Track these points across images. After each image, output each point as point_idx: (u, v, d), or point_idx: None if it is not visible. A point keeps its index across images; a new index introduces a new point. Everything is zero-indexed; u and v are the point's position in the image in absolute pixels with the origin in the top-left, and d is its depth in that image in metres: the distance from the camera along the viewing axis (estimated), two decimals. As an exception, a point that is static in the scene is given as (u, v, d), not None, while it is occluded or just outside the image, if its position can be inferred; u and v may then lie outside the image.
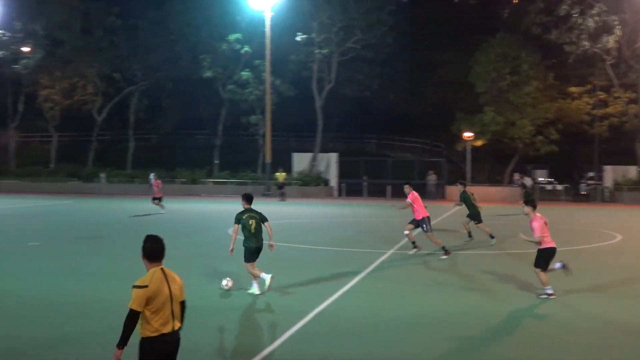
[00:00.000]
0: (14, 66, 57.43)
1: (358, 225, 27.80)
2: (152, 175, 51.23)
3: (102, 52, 57.95)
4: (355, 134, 62.75)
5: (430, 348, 9.96)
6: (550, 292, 13.13)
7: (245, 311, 12.09)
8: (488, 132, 51.51)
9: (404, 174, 49.65)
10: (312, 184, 49.89)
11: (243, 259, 13.20)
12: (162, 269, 6.58)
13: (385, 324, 11.19)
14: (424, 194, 47.62)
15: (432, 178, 49.13)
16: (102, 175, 54.23)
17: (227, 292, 13.23)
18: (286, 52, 51.88)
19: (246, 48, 53.05)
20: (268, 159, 49.18)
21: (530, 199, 14.02)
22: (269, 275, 13.06)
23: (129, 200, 43.52)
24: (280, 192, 45.29)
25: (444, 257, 18.28)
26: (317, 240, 22.09)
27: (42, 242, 21.04)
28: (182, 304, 6.66)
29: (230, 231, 12.88)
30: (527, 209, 13.13)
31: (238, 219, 13.10)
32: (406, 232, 18.91)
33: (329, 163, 51.75)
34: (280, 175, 45.78)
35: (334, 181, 51.08)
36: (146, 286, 6.35)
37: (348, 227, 25.60)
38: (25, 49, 57.45)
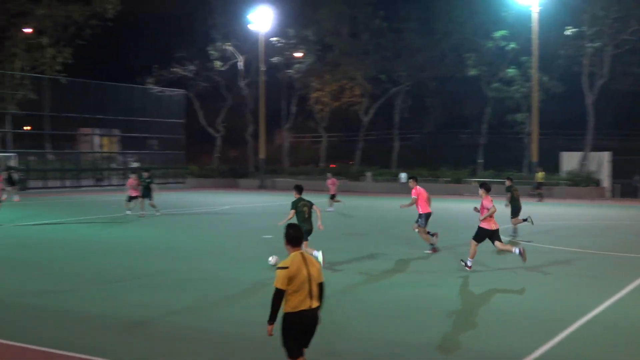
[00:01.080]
0: (288, 71, 61.17)
1: (636, 229, 25.88)
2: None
3: (368, 55, 59.65)
4: (632, 131, 58.55)
5: None
6: (469, 264, 15.16)
7: (511, 313, 11.68)
8: None
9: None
10: (581, 184, 47.32)
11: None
12: (301, 253, 7.28)
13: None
14: None
15: None
16: (368, 174, 55.70)
17: (273, 266, 14.63)
18: (554, 47, 49.79)
19: (512, 45, 51.80)
20: (534, 158, 47.48)
21: (485, 183, 16.04)
22: (320, 252, 15.11)
23: (394, 199, 44.12)
24: (537, 192, 43.59)
25: (428, 252, 18.14)
26: (588, 244, 20.89)
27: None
28: (321, 285, 7.30)
29: (290, 214, 15.35)
30: (481, 190, 15.38)
31: (295, 206, 15.46)
32: (415, 230, 18.49)
33: (601, 162, 48.76)
34: (539, 175, 43.99)
35: (606, 181, 48.10)
36: (287, 267, 7.08)
37: (624, 231, 23.89)
38: (298, 55, 60.73)
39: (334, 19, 58.67)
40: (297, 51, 60.82)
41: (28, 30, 52.76)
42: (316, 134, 67.97)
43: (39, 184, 49.26)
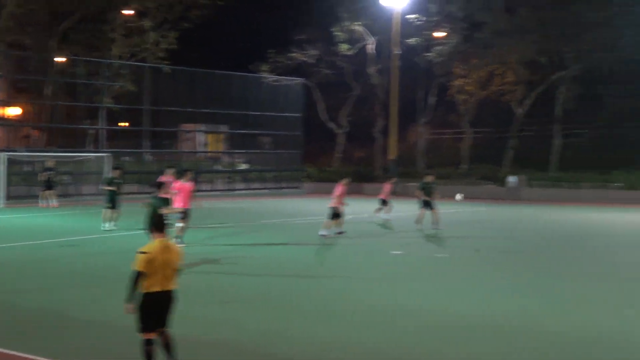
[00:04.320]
0: (427, 54, 58.96)
1: None
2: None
3: (527, 33, 55.69)
4: None
5: None
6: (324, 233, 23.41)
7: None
8: None
9: None
10: None
11: None
12: (162, 240, 9.06)
13: None
14: None
15: None
16: (522, 177, 51.51)
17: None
18: None
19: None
20: None
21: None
22: None
23: (552, 207, 41.59)
24: None
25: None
26: None
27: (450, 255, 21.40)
28: (176, 270, 9.12)
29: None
30: (345, 180, 23.65)
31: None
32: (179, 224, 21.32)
33: None
34: None
35: None
36: (147, 252, 8.82)
37: None
38: (439, 35, 58.46)
39: (487, -9, 55.71)
40: (439, 30, 58.58)
41: (129, 12, 52.30)
42: (459, 129, 66.15)
43: (135, 188, 48.10)
